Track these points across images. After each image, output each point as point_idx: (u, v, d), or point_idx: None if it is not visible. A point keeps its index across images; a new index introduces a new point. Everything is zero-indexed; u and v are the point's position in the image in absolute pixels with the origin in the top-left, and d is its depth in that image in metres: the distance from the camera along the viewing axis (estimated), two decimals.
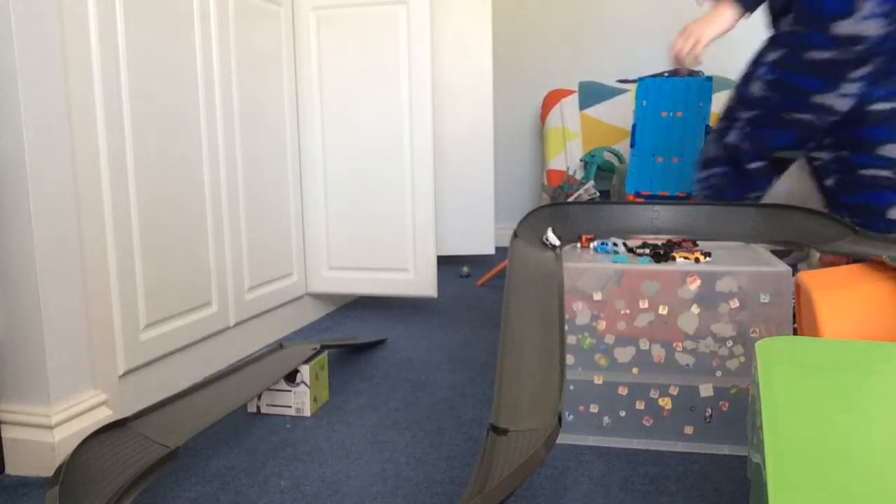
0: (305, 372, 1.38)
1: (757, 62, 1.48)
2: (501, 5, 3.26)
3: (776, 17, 1.45)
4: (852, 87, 1.37)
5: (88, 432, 1.12)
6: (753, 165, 1.47)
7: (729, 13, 1.39)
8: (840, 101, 1.39)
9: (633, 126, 2.09)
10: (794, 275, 1.16)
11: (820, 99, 1.39)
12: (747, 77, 1.49)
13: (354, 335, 1.95)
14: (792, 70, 1.39)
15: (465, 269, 2.86)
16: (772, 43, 1.47)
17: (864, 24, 1.29)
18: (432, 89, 1.96)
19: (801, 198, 3.14)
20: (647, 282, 1.20)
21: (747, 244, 1.42)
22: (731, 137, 1.50)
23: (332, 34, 1.99)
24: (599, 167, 2.72)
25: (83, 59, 1.23)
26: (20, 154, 1.10)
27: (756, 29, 1.57)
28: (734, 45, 2.89)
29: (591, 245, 1.39)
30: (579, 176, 2.93)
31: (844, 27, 1.30)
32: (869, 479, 0.53)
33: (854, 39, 1.31)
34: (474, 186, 2.81)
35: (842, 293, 1.01)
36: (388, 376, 1.62)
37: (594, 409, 1.24)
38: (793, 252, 1.85)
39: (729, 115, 1.55)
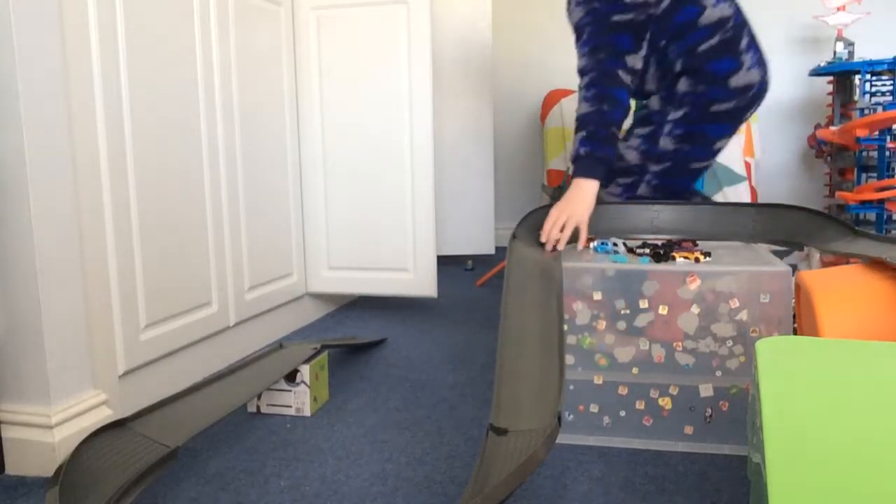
0: (305, 372, 1.38)
1: (656, 122, 1.60)
2: (502, 5, 3.26)
3: (671, 81, 1.58)
4: (741, 127, 1.62)
5: (88, 432, 1.12)
6: None
7: (592, 189, 1.44)
8: (730, 140, 1.62)
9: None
10: (794, 275, 1.16)
11: (720, 144, 1.60)
12: (651, 136, 1.60)
13: (354, 335, 1.95)
14: (700, 122, 1.56)
15: (470, 263, 2.88)
16: (668, 104, 1.60)
17: (750, 74, 1.52)
18: (432, 89, 1.96)
19: (801, 198, 3.14)
20: (647, 282, 1.20)
21: (747, 244, 1.42)
22: (643, 190, 1.62)
23: (332, 34, 1.99)
24: None
25: (83, 60, 1.23)
26: (20, 154, 1.10)
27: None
28: None
29: (591, 245, 1.39)
30: None
31: (739, 79, 1.52)
32: (869, 479, 0.53)
33: (748, 87, 1.53)
34: (474, 186, 2.81)
35: (842, 293, 1.01)
36: (388, 376, 1.62)
37: (594, 409, 1.24)
38: (793, 252, 1.85)
39: (629, 172, 1.64)
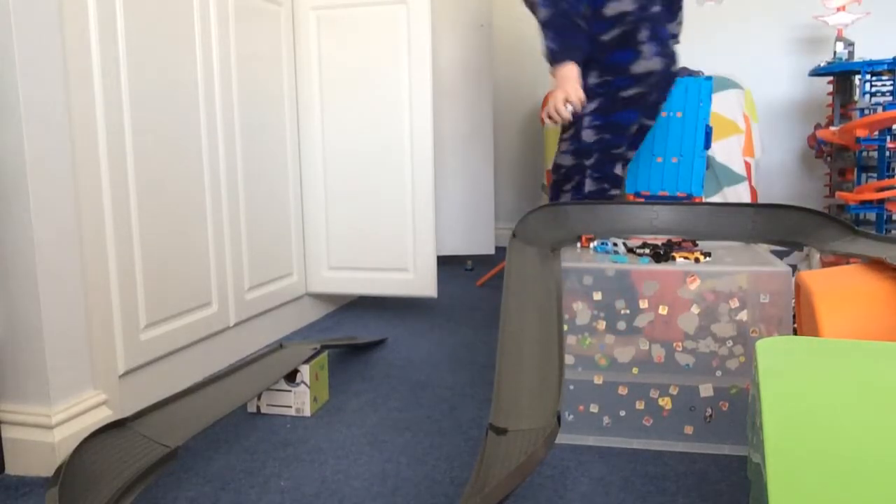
0: (305, 372, 1.38)
1: (576, 119, 1.69)
2: (502, 4, 3.26)
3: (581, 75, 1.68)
4: (647, 112, 1.74)
5: (88, 432, 1.12)
6: (614, 192, 1.76)
7: (574, 70, 1.61)
8: (638, 125, 1.74)
9: None
10: (794, 275, 1.16)
11: (632, 129, 1.72)
12: (575, 134, 1.72)
13: (354, 335, 1.95)
14: (613, 111, 1.67)
15: (469, 263, 2.88)
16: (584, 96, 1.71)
17: (650, 62, 1.63)
18: (432, 89, 1.96)
19: (801, 198, 3.14)
20: (647, 282, 1.20)
21: (747, 244, 1.42)
22: (589, 186, 1.73)
23: (332, 34, 1.99)
24: None
25: (83, 59, 1.23)
26: (20, 153, 1.10)
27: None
28: (736, 46, 2.88)
29: (591, 245, 1.39)
30: None
31: (639, 67, 1.63)
32: (869, 479, 0.53)
33: (648, 74, 1.64)
34: (474, 186, 2.81)
35: (842, 293, 1.01)
36: (388, 376, 1.62)
37: (594, 409, 1.24)
38: (793, 252, 1.85)
39: (572, 174, 1.77)
